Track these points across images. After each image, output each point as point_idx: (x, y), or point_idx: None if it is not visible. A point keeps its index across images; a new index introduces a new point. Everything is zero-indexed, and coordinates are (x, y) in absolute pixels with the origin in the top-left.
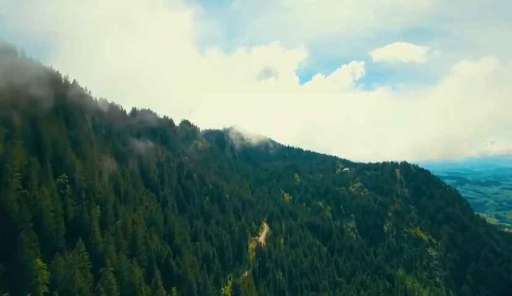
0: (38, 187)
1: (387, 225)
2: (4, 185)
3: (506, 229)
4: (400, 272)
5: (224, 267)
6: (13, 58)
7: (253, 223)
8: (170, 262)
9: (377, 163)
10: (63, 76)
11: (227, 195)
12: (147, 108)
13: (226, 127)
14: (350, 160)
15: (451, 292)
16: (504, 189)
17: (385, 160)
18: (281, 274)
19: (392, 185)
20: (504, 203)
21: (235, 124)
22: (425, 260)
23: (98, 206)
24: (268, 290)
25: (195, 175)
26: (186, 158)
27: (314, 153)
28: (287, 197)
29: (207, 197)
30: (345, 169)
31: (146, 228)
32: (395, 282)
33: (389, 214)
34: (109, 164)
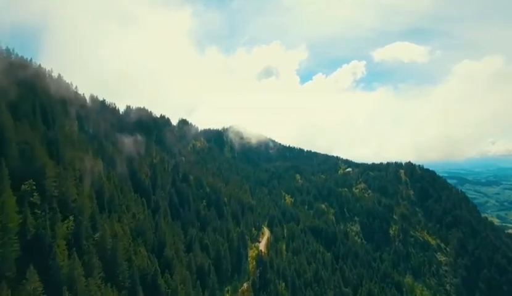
0: None
1: (393, 228)
2: None
3: (510, 230)
4: (408, 279)
5: (221, 280)
6: None
7: (253, 228)
8: (157, 280)
9: (381, 164)
10: (46, 70)
11: (225, 199)
12: (142, 106)
13: (225, 127)
14: (352, 160)
15: None
16: (505, 189)
17: (386, 160)
18: (283, 285)
19: (396, 186)
20: (505, 203)
21: (234, 124)
22: (434, 266)
23: (71, 217)
24: None
25: (191, 177)
26: (183, 158)
27: (315, 153)
28: (288, 199)
29: (204, 201)
30: (347, 169)
31: (131, 240)
32: (404, 290)
33: (395, 217)
34: (93, 166)
